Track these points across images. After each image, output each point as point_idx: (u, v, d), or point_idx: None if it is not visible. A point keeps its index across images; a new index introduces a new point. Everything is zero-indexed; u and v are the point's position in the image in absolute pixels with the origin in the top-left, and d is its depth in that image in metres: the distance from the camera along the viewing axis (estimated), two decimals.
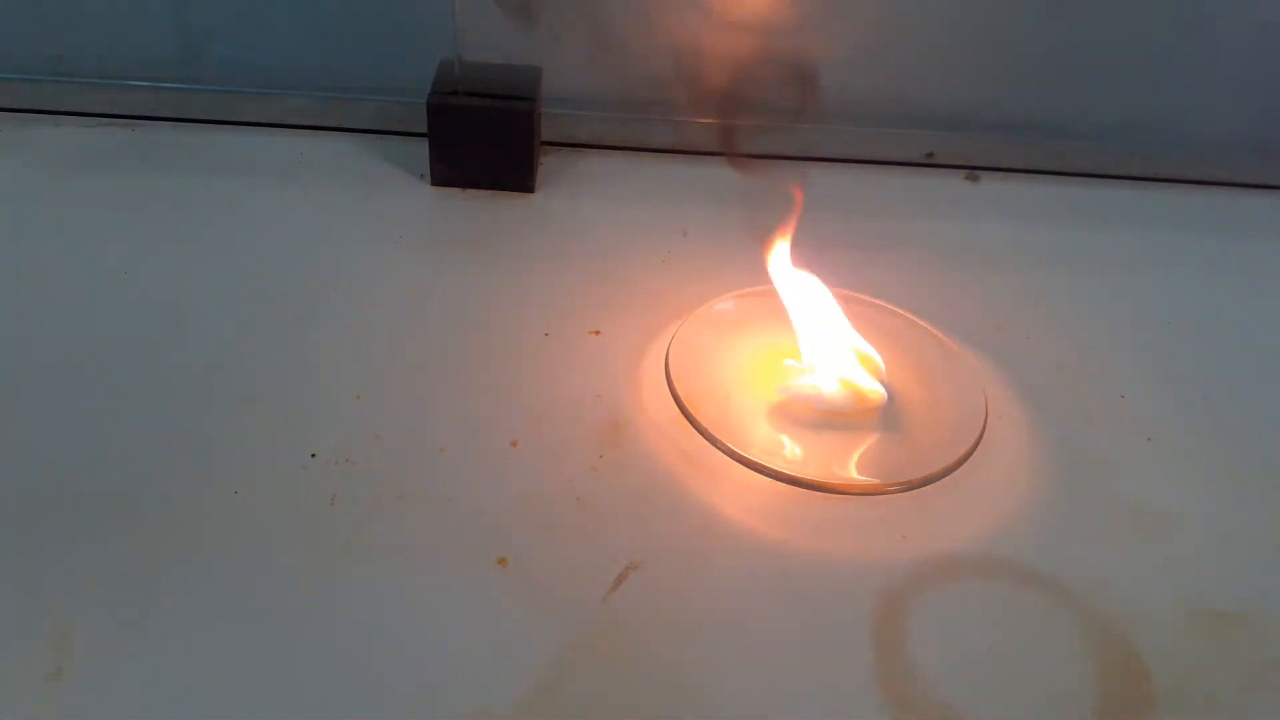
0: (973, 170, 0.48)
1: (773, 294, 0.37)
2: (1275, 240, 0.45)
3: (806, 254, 0.35)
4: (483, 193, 0.43)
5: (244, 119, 0.46)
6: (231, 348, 0.34)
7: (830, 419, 0.33)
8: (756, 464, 0.31)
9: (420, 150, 0.43)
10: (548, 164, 0.45)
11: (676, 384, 0.33)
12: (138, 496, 0.29)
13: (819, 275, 0.35)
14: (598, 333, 0.36)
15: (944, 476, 0.31)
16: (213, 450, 0.30)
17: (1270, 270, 0.43)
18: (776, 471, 0.31)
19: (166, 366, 0.33)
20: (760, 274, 0.38)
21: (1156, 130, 0.48)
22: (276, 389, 0.33)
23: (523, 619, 0.26)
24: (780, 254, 0.34)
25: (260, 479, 0.30)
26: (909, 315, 0.37)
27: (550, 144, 0.47)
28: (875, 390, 0.33)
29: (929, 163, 0.47)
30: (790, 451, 0.32)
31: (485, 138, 0.42)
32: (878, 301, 0.37)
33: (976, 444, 0.32)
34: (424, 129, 0.42)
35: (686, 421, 0.32)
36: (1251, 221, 0.46)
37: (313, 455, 0.30)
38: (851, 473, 0.32)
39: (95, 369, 0.33)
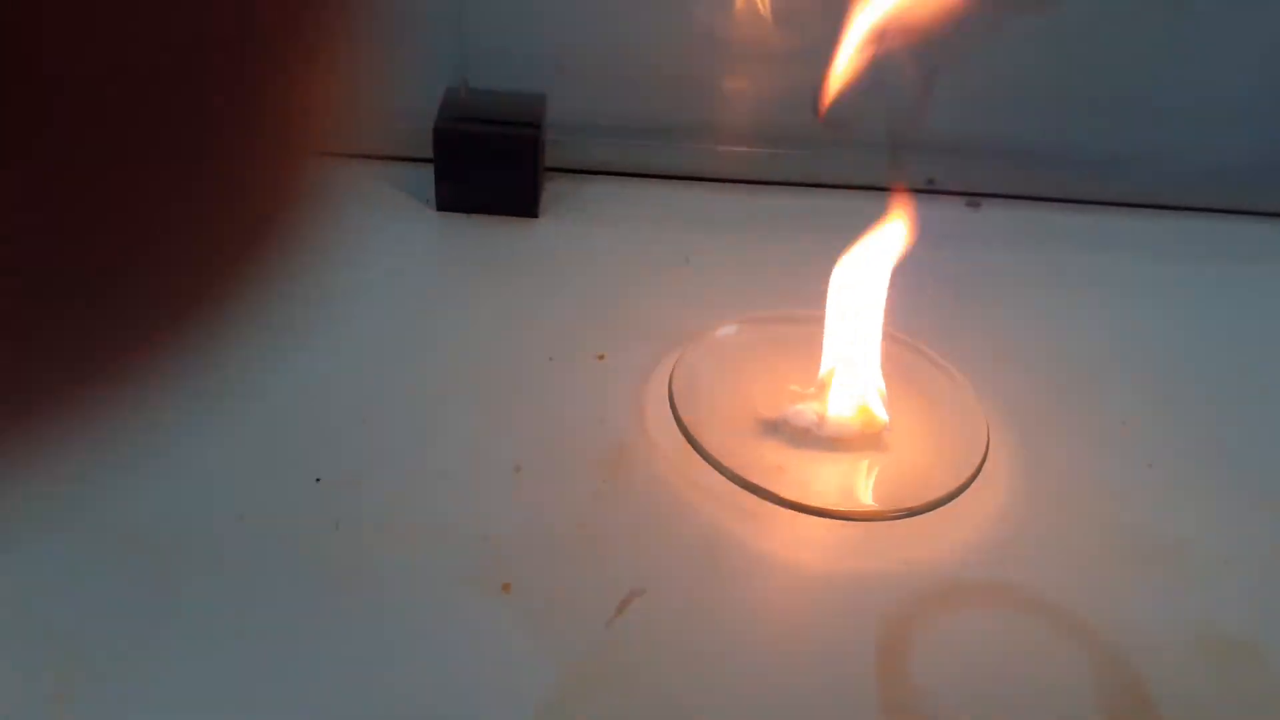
0: (974, 197, 0.48)
1: (775, 320, 0.37)
2: (1275, 266, 0.45)
3: (809, 280, 0.35)
4: (487, 218, 0.43)
5: None
6: (233, 372, 0.34)
7: (833, 444, 0.33)
8: (760, 489, 0.31)
9: (426, 175, 0.44)
10: (552, 189, 0.46)
11: (681, 409, 0.33)
12: (143, 521, 0.29)
13: (817, 304, 0.35)
14: (602, 357, 0.36)
15: (946, 503, 0.31)
16: (217, 475, 0.31)
17: (1270, 296, 0.43)
18: (780, 497, 0.31)
19: (169, 390, 0.33)
20: (763, 299, 0.39)
21: (1157, 158, 0.48)
22: (280, 413, 0.33)
23: (526, 645, 0.26)
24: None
25: (265, 504, 0.30)
26: (911, 341, 0.37)
27: (555, 169, 0.47)
28: (878, 416, 0.33)
29: (930, 189, 0.48)
30: (794, 477, 0.32)
31: (490, 163, 0.42)
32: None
33: (978, 470, 0.32)
34: (430, 154, 0.43)
35: (690, 447, 0.32)
36: (1252, 248, 0.46)
37: (317, 480, 0.30)
38: (854, 498, 0.32)
39: None
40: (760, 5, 0.44)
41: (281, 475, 0.31)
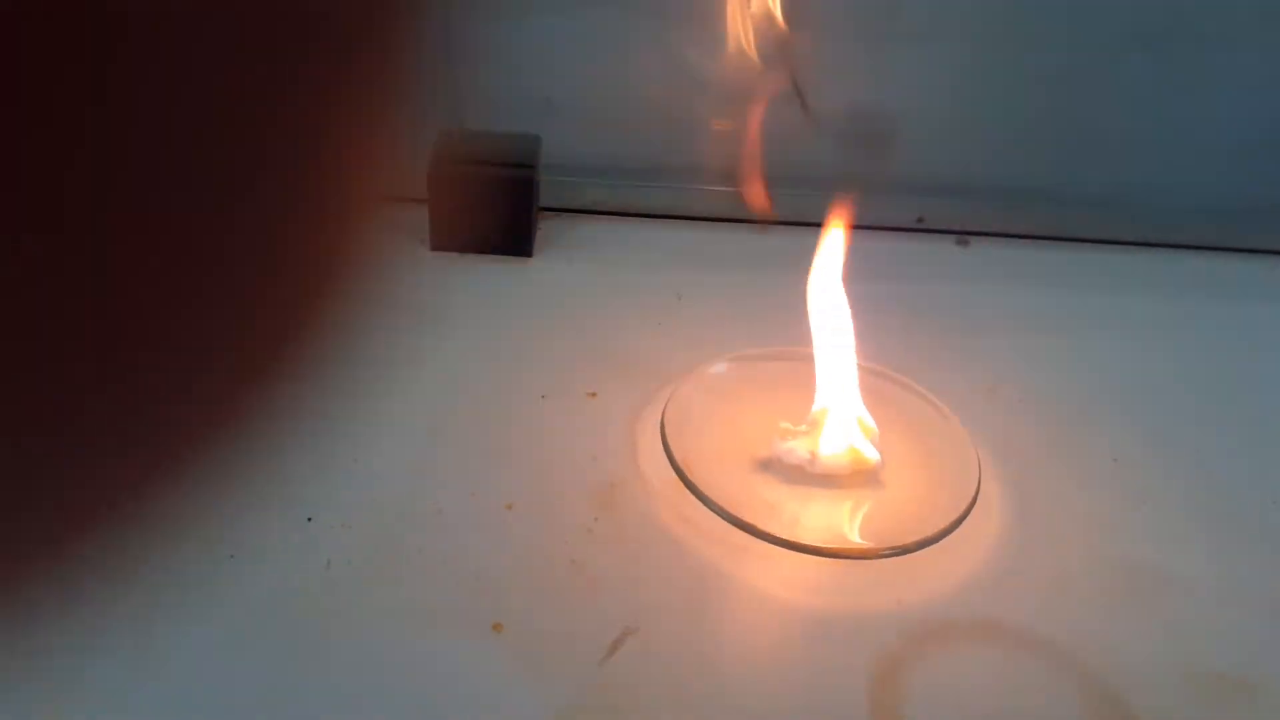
0: (962, 235, 0.48)
1: (766, 357, 0.38)
2: (1260, 303, 0.46)
3: (798, 317, 0.35)
4: (481, 257, 0.44)
5: None
6: (225, 413, 0.34)
7: (825, 482, 0.33)
8: (752, 528, 0.31)
9: (420, 216, 0.44)
10: (546, 229, 0.46)
11: (672, 446, 0.33)
12: (133, 561, 0.29)
13: (807, 341, 0.35)
14: (594, 395, 0.36)
15: (938, 540, 0.31)
16: (209, 514, 0.30)
17: (1257, 332, 0.44)
18: (772, 535, 0.31)
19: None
20: (754, 336, 0.39)
21: (1142, 196, 0.49)
22: (273, 453, 0.33)
23: (519, 685, 0.26)
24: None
25: (257, 543, 0.30)
26: (901, 378, 0.37)
27: (548, 209, 0.47)
28: (870, 453, 0.33)
29: (919, 228, 0.48)
30: (786, 515, 0.32)
31: (484, 204, 0.43)
32: (870, 365, 0.37)
33: (970, 507, 0.32)
34: (424, 195, 0.43)
35: (682, 484, 0.32)
36: (1237, 284, 0.47)
37: (309, 519, 0.30)
38: (847, 536, 0.32)
39: None
40: (749, 49, 0.44)
41: (273, 514, 0.30)
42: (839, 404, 0.34)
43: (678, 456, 0.33)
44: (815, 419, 0.34)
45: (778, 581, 0.30)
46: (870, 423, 0.34)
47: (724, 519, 0.31)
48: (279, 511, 0.31)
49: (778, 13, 0.43)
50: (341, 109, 0.10)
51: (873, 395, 0.34)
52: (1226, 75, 0.46)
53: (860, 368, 0.37)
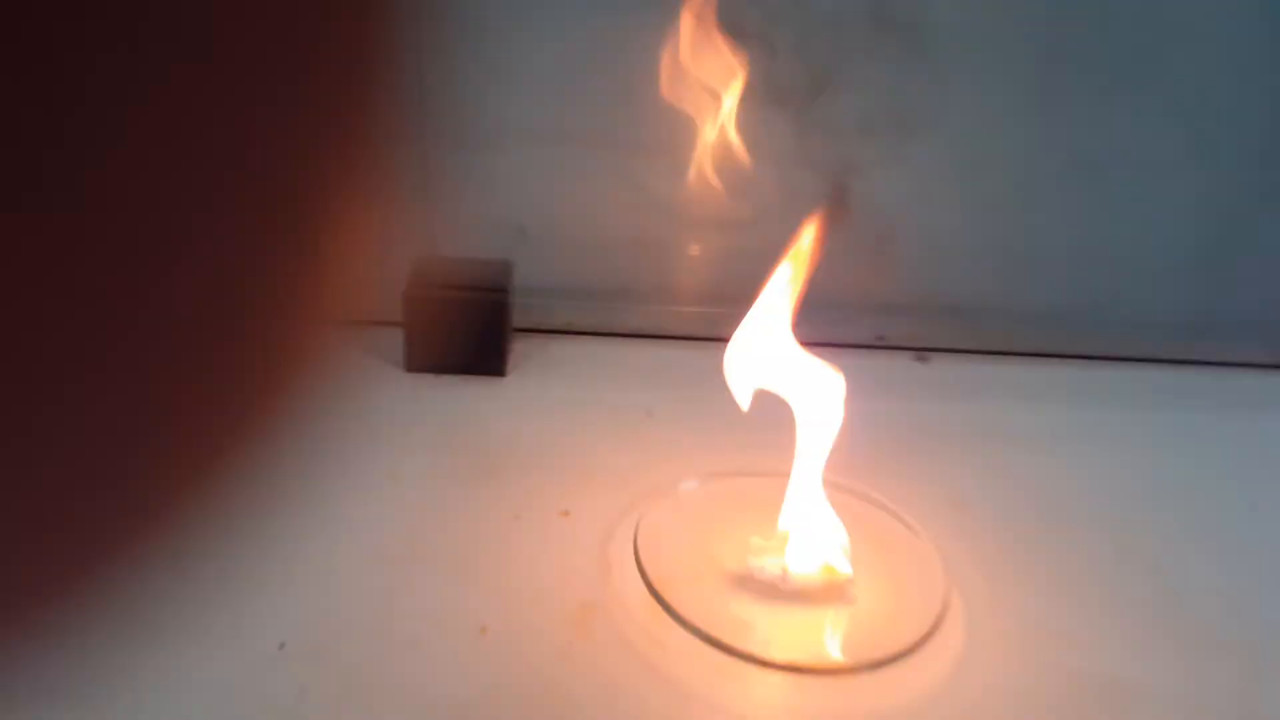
0: (922, 351, 0.50)
1: (737, 473, 0.38)
2: (1214, 413, 0.47)
3: (766, 433, 0.36)
4: (456, 377, 0.44)
5: None
6: (198, 535, 0.34)
7: (798, 598, 0.33)
8: (727, 646, 0.31)
9: (396, 338, 0.45)
10: (519, 349, 0.47)
11: (646, 565, 0.34)
12: (101, 688, 0.28)
13: (776, 458, 0.36)
14: (567, 514, 0.37)
15: (910, 654, 0.31)
16: (179, 641, 0.30)
17: (1211, 442, 0.45)
18: (747, 654, 0.31)
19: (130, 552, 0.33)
20: (724, 452, 0.40)
21: (1096, 311, 0.51)
22: (243, 578, 0.33)
23: None
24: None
25: (227, 671, 0.29)
26: (868, 493, 0.38)
27: (522, 330, 0.49)
28: (842, 568, 0.34)
29: (880, 345, 0.50)
30: (761, 632, 0.32)
31: (458, 326, 0.44)
32: (836, 480, 0.38)
33: (939, 620, 0.33)
34: (399, 318, 0.44)
35: (656, 603, 0.33)
36: (1190, 396, 0.49)
37: (281, 646, 0.30)
38: (821, 653, 0.32)
39: None
40: (710, 176, 0.47)
41: (244, 641, 0.30)
42: (809, 519, 0.34)
43: (651, 575, 0.33)
44: (785, 535, 0.34)
45: (754, 701, 0.30)
46: (842, 538, 0.34)
47: (699, 638, 0.31)
48: (249, 638, 0.30)
49: (737, 143, 0.45)
50: (321, 236, 0.11)
51: (840, 510, 0.35)
52: (1166, 199, 0.49)
53: (827, 483, 0.38)
